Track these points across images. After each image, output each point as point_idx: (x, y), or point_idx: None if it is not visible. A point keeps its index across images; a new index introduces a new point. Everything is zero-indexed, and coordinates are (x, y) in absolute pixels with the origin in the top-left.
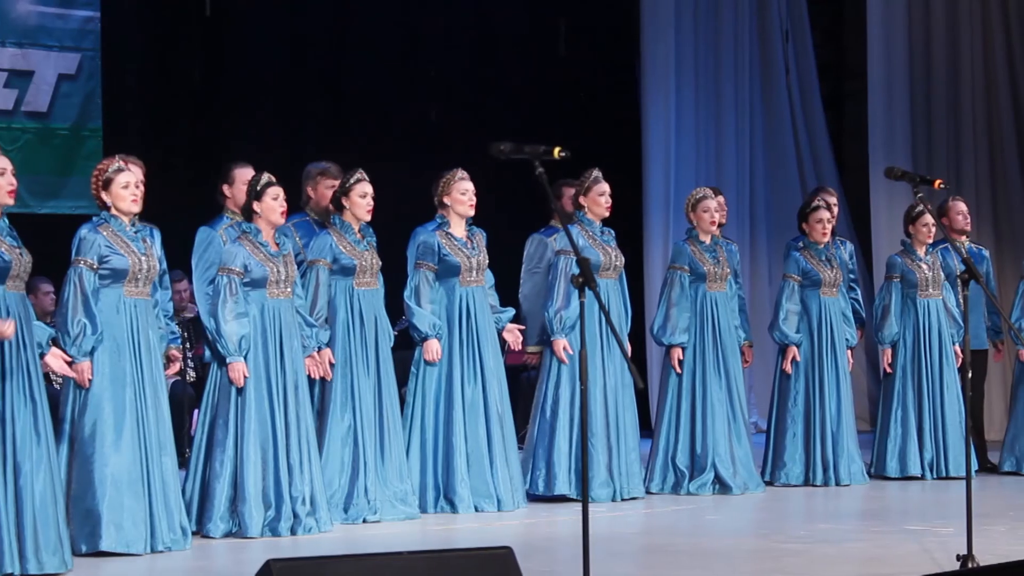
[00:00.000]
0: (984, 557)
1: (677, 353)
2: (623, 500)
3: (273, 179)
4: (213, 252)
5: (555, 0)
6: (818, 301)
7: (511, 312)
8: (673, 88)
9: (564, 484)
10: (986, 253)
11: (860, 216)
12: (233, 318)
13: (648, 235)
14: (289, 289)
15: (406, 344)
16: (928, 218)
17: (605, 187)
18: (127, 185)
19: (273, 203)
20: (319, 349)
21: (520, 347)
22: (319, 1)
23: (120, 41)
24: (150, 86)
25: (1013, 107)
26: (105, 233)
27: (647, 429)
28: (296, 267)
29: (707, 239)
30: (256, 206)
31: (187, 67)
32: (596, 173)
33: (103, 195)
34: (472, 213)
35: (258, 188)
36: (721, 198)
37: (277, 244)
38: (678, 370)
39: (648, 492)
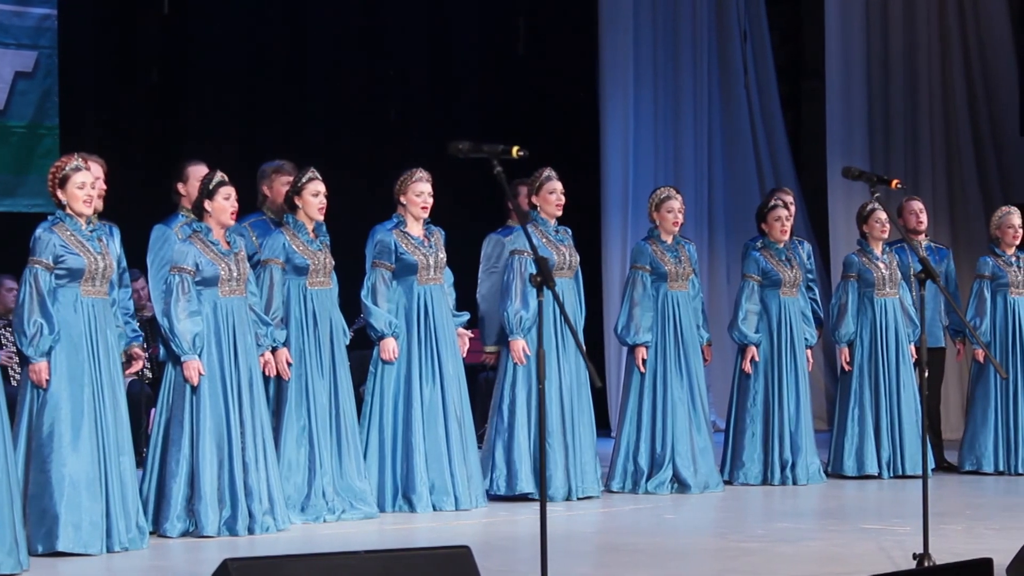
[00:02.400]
0: (940, 556)
1: (641, 352)
2: (578, 499)
3: (225, 178)
4: (168, 250)
5: None
6: (778, 301)
7: (465, 317)
8: (632, 88)
9: (527, 483)
10: (947, 251)
11: (817, 216)
12: (186, 316)
13: (606, 234)
14: (241, 287)
15: (364, 343)
16: (880, 215)
17: (556, 185)
18: (83, 185)
19: (224, 203)
20: (276, 348)
21: (465, 354)
22: (278, 0)
23: (77, 39)
24: (107, 84)
25: (969, 107)
26: (60, 233)
27: (603, 428)
28: (249, 265)
29: (669, 239)
30: (207, 205)
31: (145, 65)
32: (548, 172)
33: (59, 193)
34: (425, 215)
35: (210, 187)
36: (681, 197)
37: (228, 243)
38: (642, 369)
39: (608, 491)
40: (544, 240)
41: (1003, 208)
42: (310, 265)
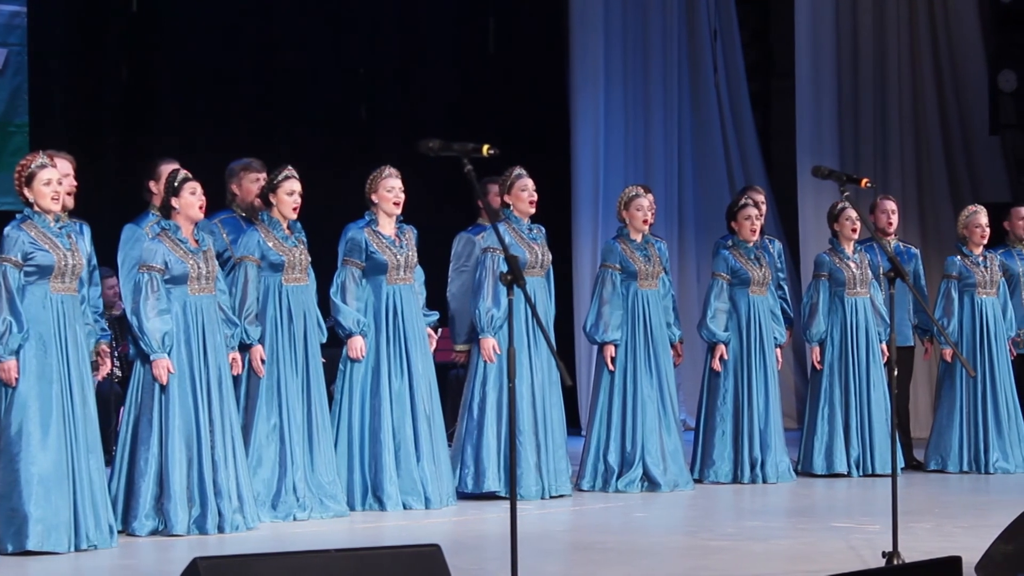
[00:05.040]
0: (909, 554)
1: (610, 351)
2: (551, 498)
3: (190, 175)
4: (139, 249)
5: None
6: (747, 299)
7: (435, 317)
8: (602, 86)
9: (493, 481)
10: (915, 251)
11: (787, 214)
12: (155, 315)
13: (577, 233)
14: (211, 285)
15: (336, 342)
16: (851, 212)
17: (528, 183)
18: (49, 182)
19: (191, 198)
20: (251, 346)
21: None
22: None
23: (47, 36)
24: (77, 82)
25: (939, 107)
26: (29, 230)
27: (574, 427)
28: (218, 263)
29: (638, 237)
30: (174, 202)
31: (114, 63)
32: (518, 170)
33: (25, 191)
34: (397, 211)
35: (175, 184)
36: (651, 196)
37: (196, 240)
38: (611, 367)
39: (579, 489)
40: (517, 238)
41: (970, 207)
42: (285, 262)
